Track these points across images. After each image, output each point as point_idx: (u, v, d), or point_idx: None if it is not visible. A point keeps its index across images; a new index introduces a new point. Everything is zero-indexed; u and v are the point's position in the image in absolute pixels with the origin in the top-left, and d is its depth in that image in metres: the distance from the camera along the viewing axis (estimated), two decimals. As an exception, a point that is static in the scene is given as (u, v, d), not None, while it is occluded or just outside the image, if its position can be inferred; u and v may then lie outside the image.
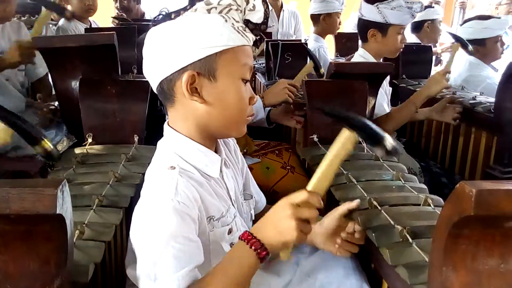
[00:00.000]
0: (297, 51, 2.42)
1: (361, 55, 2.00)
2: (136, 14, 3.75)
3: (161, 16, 0.82)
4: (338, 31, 3.19)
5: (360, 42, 2.07)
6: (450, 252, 0.65)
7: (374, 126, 0.74)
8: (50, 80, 1.90)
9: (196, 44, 0.78)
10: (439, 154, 2.17)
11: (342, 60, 2.95)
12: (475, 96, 2.05)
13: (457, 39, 2.20)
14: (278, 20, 3.68)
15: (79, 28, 2.95)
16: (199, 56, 0.79)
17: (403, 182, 1.19)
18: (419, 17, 2.90)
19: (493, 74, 2.48)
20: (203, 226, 0.82)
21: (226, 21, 0.79)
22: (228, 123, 0.86)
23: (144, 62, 0.85)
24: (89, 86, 1.47)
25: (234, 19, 0.80)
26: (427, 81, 1.92)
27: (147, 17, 3.87)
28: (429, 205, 1.05)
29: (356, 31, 2.14)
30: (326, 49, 2.99)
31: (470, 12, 4.45)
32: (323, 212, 0.96)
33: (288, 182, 1.60)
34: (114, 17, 3.38)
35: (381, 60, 2.06)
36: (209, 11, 0.80)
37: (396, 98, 2.27)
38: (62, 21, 3.00)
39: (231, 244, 0.87)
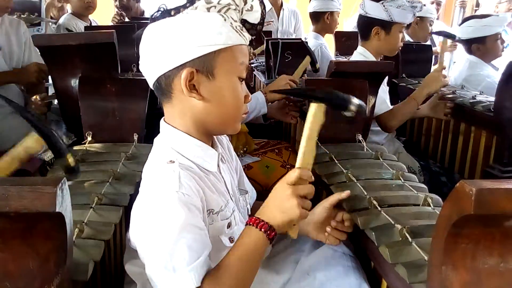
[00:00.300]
0: (297, 50, 2.42)
1: (360, 53, 2.00)
2: (136, 12, 3.75)
3: (159, 13, 0.83)
4: (337, 29, 3.20)
5: (359, 40, 2.07)
6: (449, 251, 0.65)
7: (336, 92, 0.81)
8: (50, 79, 1.90)
9: (196, 42, 0.79)
10: (439, 153, 2.18)
11: (342, 59, 2.95)
12: (475, 95, 2.05)
13: (442, 34, 2.23)
14: (278, 19, 3.68)
15: (79, 25, 2.95)
16: (198, 54, 0.80)
17: (402, 181, 1.19)
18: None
19: (493, 73, 2.48)
20: (204, 218, 0.83)
21: (225, 20, 0.80)
22: (225, 120, 0.88)
23: (142, 57, 0.85)
24: (89, 84, 1.47)
25: (232, 19, 0.82)
26: (425, 79, 1.93)
27: (146, 15, 3.87)
28: (429, 205, 1.05)
29: (357, 30, 2.14)
30: (326, 47, 2.99)
31: (479, 11, 4.44)
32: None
33: (287, 181, 1.59)
34: (115, 18, 3.37)
35: (381, 58, 2.06)
36: (208, 9, 0.81)
37: (396, 97, 2.26)
38: (62, 19, 3.01)
39: (230, 238, 0.88)
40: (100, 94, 1.45)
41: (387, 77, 2.02)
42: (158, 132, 0.92)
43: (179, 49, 0.80)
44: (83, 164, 1.26)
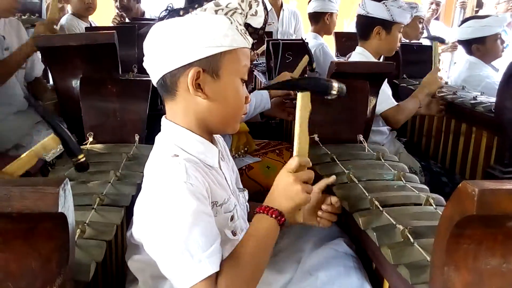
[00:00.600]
0: (297, 51, 2.42)
1: (360, 53, 2.01)
2: (136, 13, 3.75)
3: (167, 12, 0.85)
4: (339, 30, 3.20)
5: (358, 40, 2.07)
6: (452, 251, 0.65)
7: (318, 78, 0.85)
8: (51, 79, 1.91)
9: (203, 42, 0.81)
10: (440, 153, 2.18)
11: (342, 59, 2.96)
12: (476, 96, 2.05)
13: (430, 38, 2.25)
14: (278, 19, 3.68)
15: (81, 26, 2.95)
16: (205, 54, 0.82)
17: (404, 181, 1.19)
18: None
19: (493, 74, 2.48)
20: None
21: (231, 23, 0.83)
22: (226, 119, 0.90)
23: (147, 55, 0.87)
24: (90, 85, 1.47)
25: (238, 22, 0.85)
26: (423, 81, 1.98)
27: (147, 16, 3.87)
28: (431, 205, 1.05)
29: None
30: (327, 47, 3.00)
31: (481, 12, 4.44)
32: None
33: (288, 182, 1.60)
34: (115, 19, 3.37)
35: (380, 59, 2.07)
36: (216, 12, 0.83)
37: (397, 98, 2.26)
38: (64, 20, 3.01)
39: (233, 232, 0.90)
40: (101, 95, 1.45)
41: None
42: (159, 133, 0.92)
43: (187, 49, 0.82)
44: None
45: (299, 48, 2.46)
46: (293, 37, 3.67)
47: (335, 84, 0.87)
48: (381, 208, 1.02)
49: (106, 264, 0.98)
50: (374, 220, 0.99)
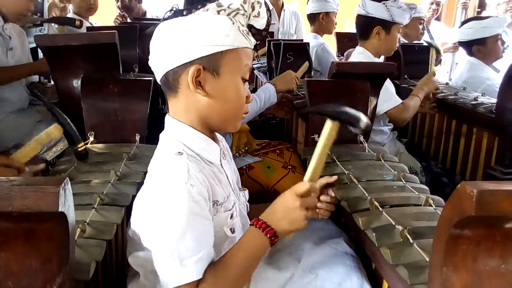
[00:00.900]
0: (298, 51, 2.42)
1: (360, 53, 2.02)
2: (138, 13, 3.75)
3: (172, 12, 0.87)
4: (340, 30, 3.20)
5: (358, 40, 2.08)
6: (450, 252, 0.65)
7: (349, 109, 0.85)
8: (52, 80, 1.92)
9: (205, 41, 0.83)
10: (441, 154, 2.17)
11: (343, 59, 2.96)
12: (477, 97, 2.05)
13: (429, 44, 2.30)
14: (279, 20, 3.68)
15: (85, 25, 2.96)
16: (206, 53, 0.83)
17: (404, 182, 1.19)
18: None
19: (494, 75, 2.48)
20: (209, 209, 0.85)
21: (233, 23, 0.85)
22: (227, 117, 0.91)
23: (152, 53, 0.89)
24: (91, 84, 1.47)
25: (240, 23, 0.86)
26: (420, 82, 2.05)
27: (148, 16, 3.88)
28: (430, 205, 1.05)
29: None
30: (327, 46, 3.00)
31: (485, 13, 4.43)
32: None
33: (289, 182, 1.60)
34: (117, 19, 3.39)
35: (380, 58, 2.07)
36: (218, 12, 0.85)
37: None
38: None
39: (232, 229, 0.91)
40: (102, 95, 1.45)
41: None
42: (160, 133, 0.94)
43: (189, 47, 0.83)
44: (85, 164, 1.27)
45: (300, 48, 2.46)
46: (294, 38, 3.67)
47: (364, 120, 0.86)
48: (380, 209, 1.02)
49: (106, 263, 0.98)
50: (373, 220, 0.99)
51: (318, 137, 1.45)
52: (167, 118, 0.93)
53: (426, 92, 1.99)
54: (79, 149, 1.16)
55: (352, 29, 4.14)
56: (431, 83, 2.03)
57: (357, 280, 0.97)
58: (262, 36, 0.92)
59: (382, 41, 1.97)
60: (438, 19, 4.39)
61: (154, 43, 0.88)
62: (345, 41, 3.27)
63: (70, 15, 3.15)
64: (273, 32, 3.38)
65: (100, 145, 1.39)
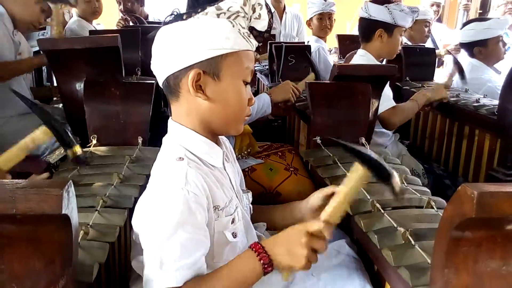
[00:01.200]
0: (300, 54, 2.43)
1: (362, 56, 2.02)
2: (140, 16, 3.76)
3: (173, 16, 0.87)
4: (342, 33, 3.21)
5: (360, 43, 2.08)
6: (451, 254, 0.65)
7: (383, 163, 0.78)
8: (55, 82, 1.93)
9: (204, 45, 0.83)
10: (443, 156, 2.17)
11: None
12: (479, 99, 2.05)
13: (456, 62, 2.27)
14: (281, 22, 3.69)
15: (88, 28, 2.98)
16: (206, 56, 0.83)
17: (406, 184, 1.19)
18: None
19: (495, 77, 2.48)
20: (210, 215, 0.85)
21: (233, 26, 0.84)
22: (228, 120, 0.91)
23: (153, 57, 0.89)
24: (94, 88, 1.48)
25: (240, 25, 0.86)
26: (432, 87, 2.03)
27: (150, 19, 3.89)
28: (432, 207, 1.05)
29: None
30: (323, 49, 3.01)
31: (490, 14, 4.43)
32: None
33: (291, 184, 1.60)
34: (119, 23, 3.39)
35: (383, 61, 2.07)
36: (218, 15, 0.84)
37: (400, 101, 2.26)
38: (72, 23, 3.04)
39: (233, 234, 0.90)
40: (104, 98, 1.46)
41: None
42: (163, 135, 0.94)
43: (188, 51, 0.83)
44: (88, 167, 1.27)
45: (302, 51, 2.47)
46: (296, 40, 3.68)
47: (397, 180, 0.78)
48: (382, 211, 1.02)
49: (109, 266, 0.99)
50: (375, 222, 0.99)
51: (320, 139, 1.47)
52: (170, 122, 0.93)
53: (430, 98, 1.95)
54: (76, 154, 1.05)
55: (354, 31, 4.15)
56: (442, 92, 1.98)
57: (359, 282, 0.97)
58: (264, 38, 0.91)
59: (384, 44, 1.97)
60: (439, 20, 4.39)
61: (155, 47, 0.88)
62: (347, 43, 3.27)
63: (74, 18, 3.17)
64: (274, 35, 3.39)
65: (103, 148, 1.40)
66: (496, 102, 1.86)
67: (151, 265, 0.78)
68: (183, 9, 0.90)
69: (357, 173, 0.80)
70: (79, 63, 1.58)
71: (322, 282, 0.97)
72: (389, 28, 1.95)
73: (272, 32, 3.45)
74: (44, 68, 2.43)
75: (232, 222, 0.91)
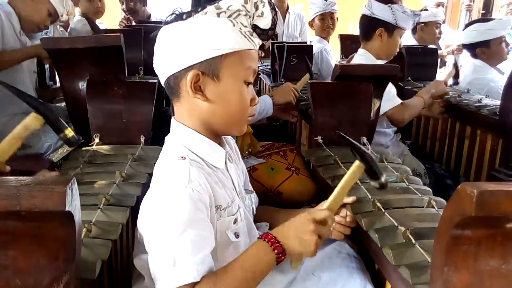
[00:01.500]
0: (302, 54, 2.43)
1: (362, 55, 2.02)
2: (143, 16, 3.78)
3: (173, 16, 0.86)
4: (344, 33, 3.21)
5: (361, 41, 2.08)
6: (451, 252, 0.65)
7: (376, 163, 0.88)
8: (58, 81, 1.94)
9: (203, 45, 0.82)
10: (444, 156, 2.17)
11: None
12: (481, 99, 2.05)
13: (454, 65, 2.34)
14: (284, 22, 3.70)
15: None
16: (205, 57, 0.83)
17: (407, 184, 1.20)
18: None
19: (498, 77, 2.47)
20: (212, 214, 0.85)
21: (234, 25, 0.82)
22: (229, 121, 0.90)
23: (155, 57, 0.89)
24: (97, 87, 1.49)
25: (242, 24, 0.84)
26: (431, 83, 2.05)
27: (153, 19, 3.90)
28: (433, 207, 1.05)
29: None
30: (328, 51, 3.01)
31: (496, 15, 4.42)
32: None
33: (292, 183, 1.61)
34: (122, 22, 3.40)
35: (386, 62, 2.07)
36: (218, 14, 0.83)
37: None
38: (75, 23, 3.05)
39: (236, 234, 0.90)
40: (107, 97, 1.47)
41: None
42: (165, 134, 0.94)
43: (188, 52, 0.83)
44: (91, 166, 1.28)
45: (304, 51, 2.47)
46: (299, 40, 3.68)
47: (385, 178, 0.89)
48: (383, 210, 1.03)
49: (111, 263, 0.99)
50: (376, 221, 1.00)
51: (322, 139, 1.48)
52: (173, 121, 0.93)
53: (434, 93, 1.99)
54: (68, 136, 1.07)
55: (356, 31, 4.15)
56: (441, 85, 2.04)
57: (360, 281, 0.97)
58: (268, 36, 0.89)
59: (383, 43, 1.97)
60: (442, 21, 4.38)
61: (157, 47, 0.88)
62: (348, 43, 3.27)
63: (78, 17, 3.18)
64: (277, 34, 3.40)
65: (105, 147, 1.41)
66: (498, 102, 1.86)
67: (162, 263, 0.77)
68: (186, 8, 0.89)
69: (356, 168, 0.89)
70: (82, 63, 1.59)
71: (322, 282, 0.97)
72: (390, 28, 1.94)
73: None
74: (47, 67, 2.43)
75: (235, 222, 0.91)
